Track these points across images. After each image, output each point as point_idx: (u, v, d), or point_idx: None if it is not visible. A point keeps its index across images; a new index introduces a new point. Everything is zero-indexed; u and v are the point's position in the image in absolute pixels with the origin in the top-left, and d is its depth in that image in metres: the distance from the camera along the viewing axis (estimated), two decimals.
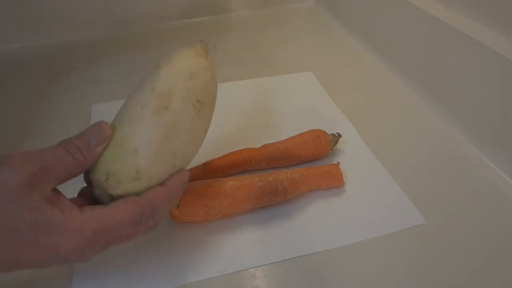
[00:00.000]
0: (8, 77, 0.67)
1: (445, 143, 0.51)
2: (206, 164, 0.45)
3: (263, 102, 0.59)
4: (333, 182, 0.44)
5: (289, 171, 0.42)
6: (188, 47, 0.34)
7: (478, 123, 0.50)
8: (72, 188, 0.31)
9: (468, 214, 0.42)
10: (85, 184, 0.32)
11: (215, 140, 0.52)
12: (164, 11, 0.81)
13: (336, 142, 0.48)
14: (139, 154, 0.29)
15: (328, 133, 0.48)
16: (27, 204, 0.25)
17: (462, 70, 0.51)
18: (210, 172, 0.45)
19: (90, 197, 0.31)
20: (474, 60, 0.49)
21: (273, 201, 0.41)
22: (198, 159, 0.46)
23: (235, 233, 0.40)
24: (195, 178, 0.42)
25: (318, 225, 0.41)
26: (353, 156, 0.49)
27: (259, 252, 0.39)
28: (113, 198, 0.29)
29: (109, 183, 0.29)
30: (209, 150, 0.47)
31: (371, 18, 0.71)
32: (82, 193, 0.32)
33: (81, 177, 0.31)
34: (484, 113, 0.48)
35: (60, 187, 0.28)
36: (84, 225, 0.26)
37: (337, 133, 0.48)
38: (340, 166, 0.44)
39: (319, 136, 0.47)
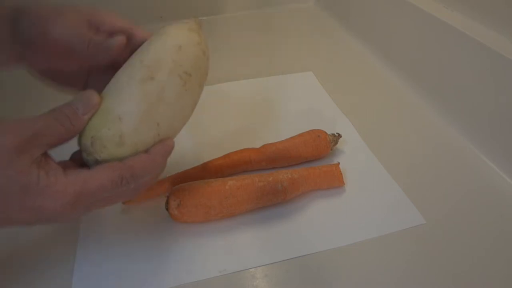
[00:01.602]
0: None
1: (445, 143, 0.51)
2: (206, 164, 0.45)
3: (263, 102, 0.59)
4: (333, 182, 0.44)
5: (289, 171, 0.42)
6: (181, 22, 0.35)
7: (478, 123, 0.50)
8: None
9: (468, 214, 0.42)
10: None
11: (215, 140, 0.52)
12: (164, 11, 0.81)
13: (336, 142, 0.48)
14: (123, 121, 0.31)
15: (328, 133, 0.48)
16: (16, 168, 0.27)
17: (462, 70, 0.51)
18: (210, 172, 0.45)
19: (81, 161, 0.33)
20: (474, 60, 0.49)
21: (273, 201, 0.41)
22: (198, 159, 0.46)
23: (235, 233, 0.40)
24: (195, 178, 0.42)
25: (318, 225, 0.41)
26: (353, 156, 0.49)
27: (259, 252, 0.39)
28: (98, 163, 0.31)
29: (95, 148, 0.31)
30: (209, 150, 0.48)
31: (371, 18, 0.71)
32: (73, 156, 0.33)
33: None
34: (484, 113, 0.48)
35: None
36: (68, 187, 0.28)
37: (337, 133, 0.48)
38: (340, 166, 0.44)
39: (319, 136, 0.47)
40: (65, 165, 0.30)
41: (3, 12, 0.34)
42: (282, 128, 0.52)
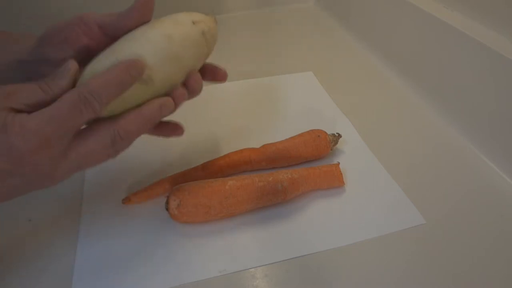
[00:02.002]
0: None
1: (445, 143, 0.51)
2: (206, 164, 0.45)
3: (263, 102, 0.59)
4: (333, 182, 0.44)
5: (289, 171, 0.42)
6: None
7: (478, 123, 0.50)
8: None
9: (468, 214, 0.42)
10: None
11: (215, 140, 0.52)
12: (164, 11, 0.81)
13: (336, 142, 0.48)
14: None
15: (328, 133, 0.48)
16: None
17: (462, 70, 0.51)
18: (210, 172, 0.45)
19: None
20: (474, 60, 0.49)
21: (273, 201, 0.42)
22: (198, 159, 0.46)
23: (235, 233, 0.40)
24: (195, 178, 0.42)
25: (318, 225, 0.41)
26: (353, 156, 0.49)
27: (259, 252, 0.39)
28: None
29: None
30: (209, 150, 0.48)
31: (371, 18, 0.71)
32: None
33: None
34: (484, 113, 0.48)
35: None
36: (40, 125, 0.28)
37: (337, 133, 0.48)
38: (340, 166, 0.44)
39: (319, 136, 0.47)
40: None
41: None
42: (282, 128, 0.52)
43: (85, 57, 0.34)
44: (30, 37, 0.36)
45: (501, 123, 0.46)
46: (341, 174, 0.44)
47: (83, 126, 0.31)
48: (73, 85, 0.31)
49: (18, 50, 0.35)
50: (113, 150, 0.32)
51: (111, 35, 0.34)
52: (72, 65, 0.31)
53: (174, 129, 0.40)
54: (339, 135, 0.48)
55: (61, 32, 0.34)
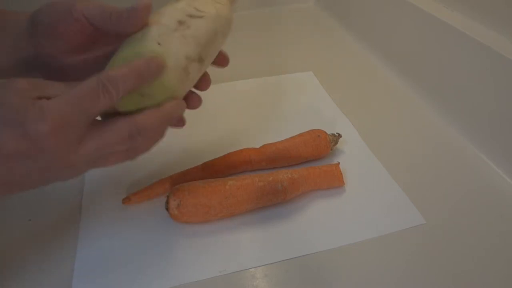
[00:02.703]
0: None
1: (445, 143, 0.51)
2: (206, 164, 0.45)
3: (263, 102, 0.59)
4: (333, 182, 0.44)
5: (289, 171, 0.42)
6: None
7: (478, 123, 0.50)
8: None
9: (468, 214, 0.42)
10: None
11: (215, 140, 0.52)
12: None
13: (336, 142, 0.48)
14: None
15: (328, 133, 0.48)
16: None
17: (462, 70, 0.51)
18: (210, 172, 0.45)
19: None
20: (474, 60, 0.49)
21: (273, 201, 0.41)
22: (198, 159, 0.46)
23: (235, 233, 0.40)
24: (195, 178, 0.42)
25: (318, 225, 0.41)
26: (353, 156, 0.49)
27: (259, 252, 0.39)
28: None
29: None
30: (209, 150, 0.48)
31: (371, 18, 0.71)
32: None
33: None
34: (484, 113, 0.48)
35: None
36: (59, 105, 0.28)
37: (337, 133, 0.48)
38: (340, 166, 0.44)
39: (319, 136, 0.47)
40: None
41: (22, 18, 0.35)
42: (282, 128, 0.52)
43: (81, 50, 0.34)
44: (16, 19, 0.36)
45: (501, 123, 0.46)
46: (341, 174, 0.44)
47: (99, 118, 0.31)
48: None
49: (11, 35, 0.35)
50: (131, 149, 0.31)
51: (102, 29, 0.33)
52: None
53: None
54: (339, 135, 0.48)
55: (54, 29, 0.33)
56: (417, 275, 0.37)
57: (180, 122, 0.39)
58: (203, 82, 0.38)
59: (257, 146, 0.47)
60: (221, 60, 0.39)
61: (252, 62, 0.69)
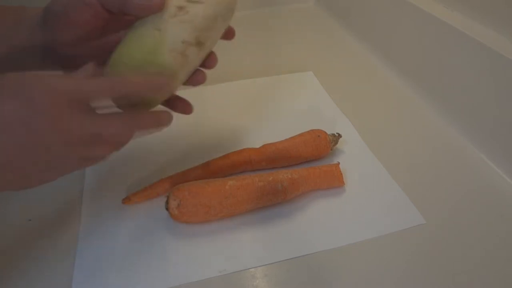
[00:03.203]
0: None
1: (445, 143, 0.51)
2: (206, 164, 0.45)
3: (263, 102, 0.59)
4: (333, 182, 0.44)
5: (289, 171, 0.42)
6: None
7: (478, 123, 0.50)
8: None
9: (468, 214, 0.42)
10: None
11: (215, 140, 0.52)
12: None
13: (336, 142, 0.48)
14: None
15: (328, 133, 0.48)
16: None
17: (462, 70, 0.51)
18: (210, 172, 0.45)
19: None
20: (474, 60, 0.49)
21: (273, 201, 0.42)
22: (198, 159, 0.46)
23: (235, 233, 0.40)
24: (195, 178, 0.42)
25: (318, 225, 0.41)
26: (353, 156, 0.49)
27: (259, 252, 0.39)
28: None
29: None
30: (209, 150, 0.48)
31: (371, 18, 0.71)
32: None
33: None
34: (485, 113, 0.48)
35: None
36: (66, 83, 0.29)
37: (337, 133, 0.48)
38: (340, 166, 0.44)
39: (319, 136, 0.47)
40: None
41: (39, 12, 0.36)
42: (282, 128, 0.52)
43: (93, 36, 0.36)
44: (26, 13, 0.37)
45: (501, 123, 0.46)
46: (341, 174, 0.44)
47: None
48: None
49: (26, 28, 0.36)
50: (117, 139, 0.32)
51: (115, 11, 0.34)
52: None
53: (184, 106, 0.40)
54: (339, 135, 0.48)
55: (66, 17, 0.34)
56: (417, 275, 0.37)
57: (187, 108, 0.40)
58: (210, 60, 0.39)
59: (257, 146, 0.47)
60: (228, 34, 0.42)
61: (252, 62, 0.69)
